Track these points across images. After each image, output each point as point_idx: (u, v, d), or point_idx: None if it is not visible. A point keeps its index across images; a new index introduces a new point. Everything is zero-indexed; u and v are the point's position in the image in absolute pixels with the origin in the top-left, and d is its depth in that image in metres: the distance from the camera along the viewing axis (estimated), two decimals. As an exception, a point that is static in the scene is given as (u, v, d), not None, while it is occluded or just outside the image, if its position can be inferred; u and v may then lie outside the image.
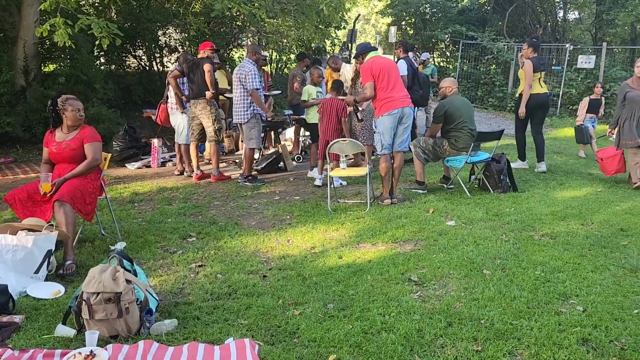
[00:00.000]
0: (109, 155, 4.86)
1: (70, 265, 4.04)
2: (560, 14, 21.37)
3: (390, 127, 5.80)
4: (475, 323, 3.18)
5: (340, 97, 7.51)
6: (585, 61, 14.27)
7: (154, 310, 3.23)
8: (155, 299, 3.38)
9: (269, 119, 7.45)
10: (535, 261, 4.16)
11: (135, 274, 3.35)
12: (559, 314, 3.27)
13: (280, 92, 9.54)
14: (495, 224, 5.19)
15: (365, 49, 6.15)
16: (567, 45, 15.17)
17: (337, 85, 6.90)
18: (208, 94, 6.83)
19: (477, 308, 3.37)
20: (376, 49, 6.14)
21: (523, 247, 4.51)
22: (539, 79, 7.47)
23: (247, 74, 6.80)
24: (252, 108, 6.91)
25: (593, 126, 9.56)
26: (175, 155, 8.05)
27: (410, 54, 9.62)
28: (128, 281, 3.11)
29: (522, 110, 7.50)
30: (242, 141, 7.81)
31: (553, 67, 15.50)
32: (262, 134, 8.69)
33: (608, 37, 19.00)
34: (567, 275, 3.88)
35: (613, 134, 6.92)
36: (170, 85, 7.52)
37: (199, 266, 4.22)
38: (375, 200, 6.02)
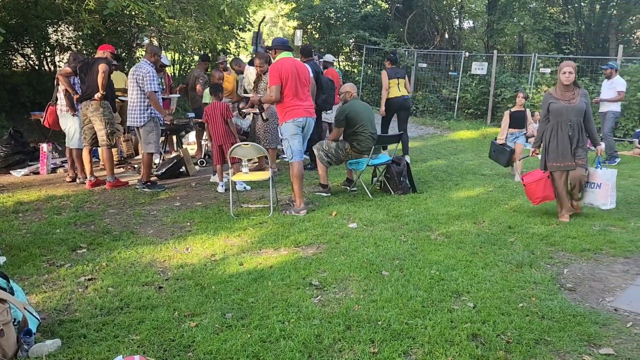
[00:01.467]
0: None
1: (-62, 285, 3.64)
2: (457, 22, 22.55)
3: (296, 132, 5.70)
4: (372, 325, 3.21)
5: (245, 95, 7.42)
6: (479, 68, 15.12)
7: (33, 330, 2.97)
8: (36, 318, 3.11)
9: (167, 122, 7.19)
10: (431, 260, 4.30)
11: (12, 292, 3.07)
12: (452, 312, 3.39)
13: (180, 95, 9.21)
14: (395, 225, 5.33)
15: (281, 45, 5.83)
16: (463, 53, 16.01)
17: (216, 89, 6.85)
18: (97, 95, 6.48)
19: (375, 310, 3.42)
20: (291, 50, 5.88)
21: (420, 247, 4.65)
22: (397, 85, 8.67)
23: (145, 75, 6.51)
24: (149, 111, 6.62)
25: (523, 143, 7.89)
26: (67, 160, 7.55)
27: (331, 57, 9.86)
28: (2, 300, 2.84)
29: (382, 109, 8.81)
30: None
31: (450, 73, 16.29)
32: (163, 138, 8.40)
33: (499, 45, 20.28)
34: (460, 272, 4.04)
35: (538, 153, 5.74)
36: (59, 86, 7.04)
37: (89, 280, 3.96)
38: (285, 211, 5.80)
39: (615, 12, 18.64)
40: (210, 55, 14.34)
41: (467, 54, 16.00)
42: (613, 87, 9.42)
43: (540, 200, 5.54)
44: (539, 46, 18.92)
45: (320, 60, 10.07)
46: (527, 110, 8.00)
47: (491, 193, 6.74)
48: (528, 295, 3.67)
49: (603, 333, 3.14)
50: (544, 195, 5.50)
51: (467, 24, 24.43)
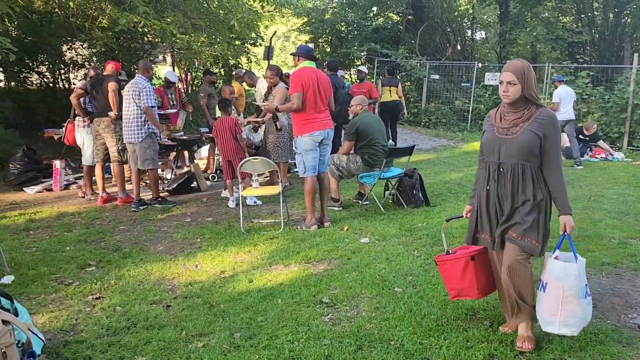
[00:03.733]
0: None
1: (-54, 305, 3.60)
2: (469, 33, 22.48)
3: (311, 148, 5.54)
4: (385, 345, 3.11)
5: (260, 104, 7.39)
6: (492, 78, 14.98)
7: (38, 352, 2.92)
8: (41, 340, 3.05)
9: (164, 137, 7.12)
10: (445, 276, 4.18)
11: (16, 313, 3.02)
12: (467, 330, 3.27)
13: (185, 111, 9.07)
14: (407, 239, 5.22)
15: (305, 53, 5.63)
16: (476, 63, 15.91)
17: (224, 104, 6.82)
18: (111, 114, 6.49)
19: (388, 328, 3.32)
20: (314, 60, 5.70)
21: (434, 262, 4.53)
22: (389, 91, 10.79)
23: (141, 90, 6.42)
24: (146, 127, 6.53)
25: None
26: (81, 177, 7.55)
27: (365, 68, 10.52)
28: (5, 322, 2.79)
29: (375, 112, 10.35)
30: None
31: (462, 84, 16.19)
32: (174, 153, 8.40)
33: (512, 55, 20.13)
34: (475, 289, 3.92)
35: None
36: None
37: (96, 298, 3.91)
38: (296, 226, 5.70)
39: (629, 20, 18.44)
40: (223, 70, 14.42)
41: (479, 64, 15.90)
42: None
43: (455, 294, 3.34)
44: (553, 56, 18.72)
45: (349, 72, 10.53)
46: None
47: (506, 205, 6.58)
48: (546, 312, 3.53)
49: (627, 352, 3.00)
50: (458, 288, 3.28)
51: (480, 34, 24.38)
